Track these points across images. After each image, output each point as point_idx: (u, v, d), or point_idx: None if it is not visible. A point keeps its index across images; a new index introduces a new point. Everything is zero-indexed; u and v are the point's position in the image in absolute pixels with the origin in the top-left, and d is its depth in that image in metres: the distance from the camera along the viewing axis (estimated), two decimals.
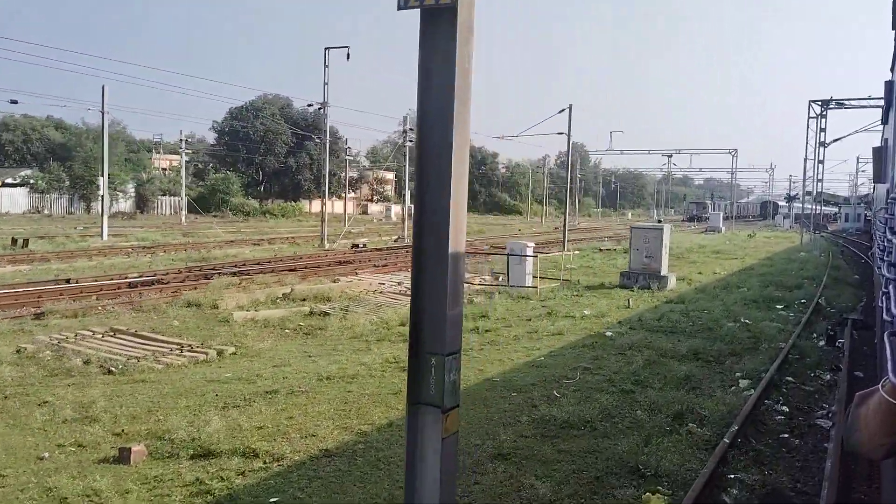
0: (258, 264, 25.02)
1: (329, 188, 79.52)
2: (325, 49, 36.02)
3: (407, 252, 33.45)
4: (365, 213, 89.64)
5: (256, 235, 42.25)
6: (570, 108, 35.86)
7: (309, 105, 35.98)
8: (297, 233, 45.65)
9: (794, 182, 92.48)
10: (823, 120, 33.50)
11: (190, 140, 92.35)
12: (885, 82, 11.11)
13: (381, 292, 19.17)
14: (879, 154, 11.43)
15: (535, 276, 21.33)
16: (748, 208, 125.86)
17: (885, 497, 5.47)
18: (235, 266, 24.11)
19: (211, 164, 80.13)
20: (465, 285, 19.28)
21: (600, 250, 35.76)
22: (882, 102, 16.64)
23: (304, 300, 17.14)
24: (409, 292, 4.42)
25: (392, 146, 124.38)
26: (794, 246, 41.69)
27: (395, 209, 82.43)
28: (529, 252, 19.45)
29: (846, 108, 36.27)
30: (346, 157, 60.88)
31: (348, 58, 35.23)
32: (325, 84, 36.49)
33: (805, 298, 19.11)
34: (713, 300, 18.01)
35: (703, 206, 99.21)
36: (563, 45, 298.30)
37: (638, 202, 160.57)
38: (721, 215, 64.02)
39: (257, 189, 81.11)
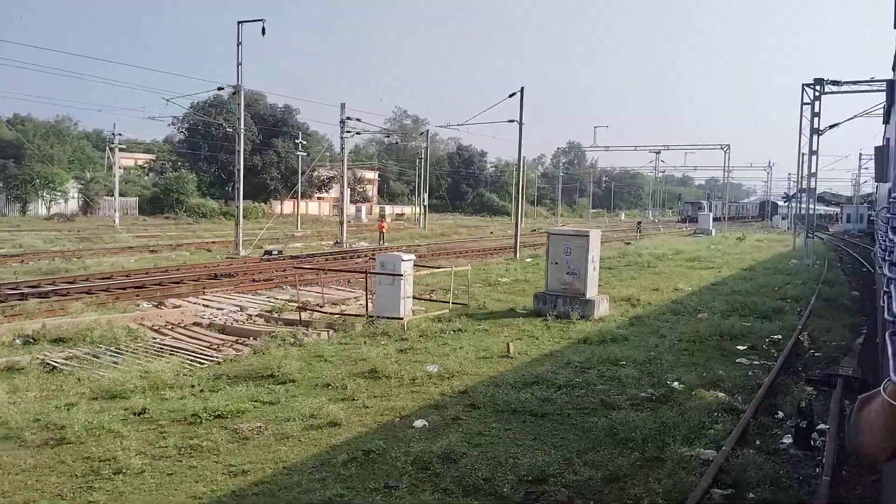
0: (107, 279, 19.76)
1: (298, 188, 74.09)
2: (238, 23, 30.71)
3: (328, 259, 28.16)
4: (340, 213, 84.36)
5: (178, 240, 36.95)
6: (522, 91, 30.42)
7: (219, 88, 30.82)
8: (228, 237, 40.23)
9: (793, 181, 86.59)
10: (817, 104, 27.88)
11: (155, 139, 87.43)
12: (887, 81, 11.31)
13: (194, 324, 13.81)
14: (881, 153, 11.06)
15: (432, 297, 16.01)
16: (747, 208, 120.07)
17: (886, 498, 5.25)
18: (69, 282, 18.85)
19: (179, 163, 74.90)
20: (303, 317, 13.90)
21: None
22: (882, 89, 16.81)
23: (57, 340, 11.80)
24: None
25: (378, 145, 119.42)
26: (785, 252, 36.09)
27: (366, 209, 77.31)
28: (404, 268, 14.01)
29: (844, 91, 30.65)
30: (299, 154, 55.53)
31: (263, 32, 29.92)
32: (239, 64, 31.15)
33: (781, 333, 13.62)
34: (645, 339, 12.55)
35: (699, 207, 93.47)
36: (554, 44, 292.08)
37: (635, 202, 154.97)
38: (710, 216, 58.30)
39: (224, 189, 75.89)
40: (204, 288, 18.16)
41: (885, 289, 4.69)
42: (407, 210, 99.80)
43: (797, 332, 13.41)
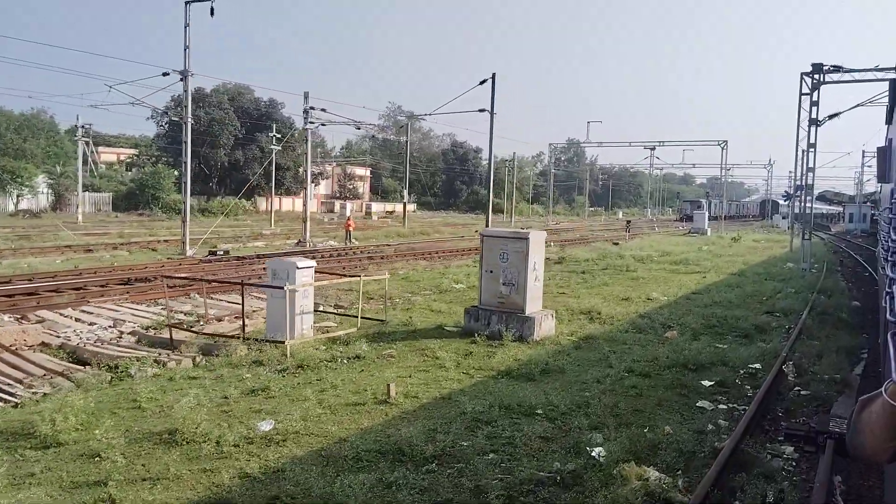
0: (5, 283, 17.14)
1: (281, 185, 71.49)
2: (186, 3, 28.01)
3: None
4: (331, 210, 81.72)
5: (129, 238, 34.30)
6: (494, 77, 27.65)
7: (164, 73, 28.17)
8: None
9: (796, 179, 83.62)
10: (816, 93, 25.06)
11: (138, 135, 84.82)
12: (890, 82, 12.62)
13: (42, 344, 11.13)
14: (884, 154, 11.07)
15: (339, 310, 13.37)
16: (747, 207, 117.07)
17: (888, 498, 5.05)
18: None
19: (160, 158, 72.31)
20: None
21: None
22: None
23: None
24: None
25: (371, 141, 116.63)
26: (782, 254, 33.23)
27: (351, 206, 74.59)
28: (299, 277, 11.29)
29: (846, 81, 27.76)
30: (267, 146, 52.88)
31: (212, 13, 27.27)
32: (186, 48, 28.45)
33: (761, 361, 10.87)
34: (585, 372, 9.80)
35: (698, 206, 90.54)
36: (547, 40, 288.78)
37: (634, 201, 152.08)
38: (706, 215, 55.35)
39: (208, 185, 73.27)
40: (84, 297, 15.42)
41: (886, 289, 4.49)
42: (399, 207, 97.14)
43: (780, 360, 10.65)
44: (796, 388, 9.67)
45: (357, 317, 12.80)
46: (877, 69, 27.53)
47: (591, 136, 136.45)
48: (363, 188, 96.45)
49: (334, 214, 71.78)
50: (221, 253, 26.79)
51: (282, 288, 10.78)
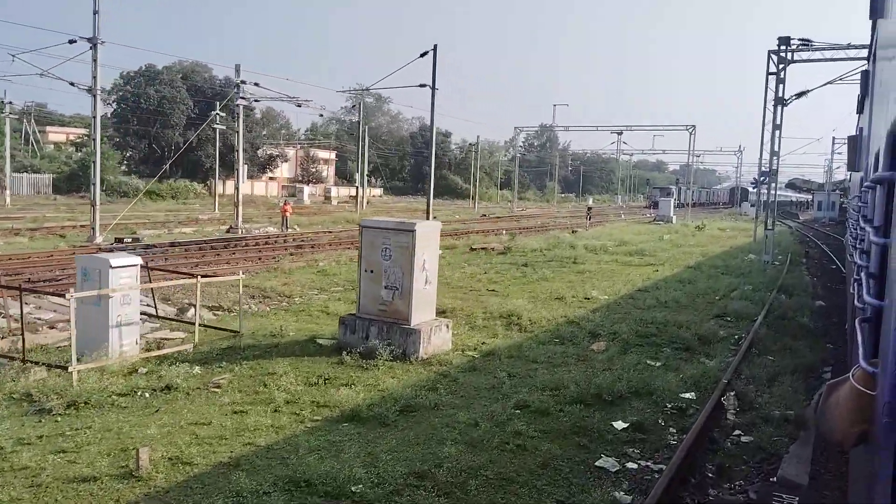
0: None
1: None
2: None
3: (202, 248, 22.77)
4: (292, 195, 78.58)
5: (42, 223, 31.25)
6: (435, 49, 25.01)
7: (71, 41, 25.02)
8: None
9: (761, 165, 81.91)
10: (783, 69, 22.82)
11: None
12: (862, 72, 11.61)
13: None
14: (854, 143, 11.15)
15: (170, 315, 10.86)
16: (718, 195, 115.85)
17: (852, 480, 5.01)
18: None
19: (106, 138, 68.43)
20: None
21: (473, 249, 25.11)
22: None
23: None
24: None
25: (337, 123, 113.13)
26: (745, 244, 31.16)
27: (309, 190, 71.64)
28: (113, 279, 8.70)
29: (816, 60, 25.57)
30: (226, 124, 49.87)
31: None
32: (95, 13, 25.38)
33: (696, 390, 8.53)
34: (461, 411, 7.32)
35: (668, 192, 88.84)
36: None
37: (606, 187, 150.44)
38: (671, 203, 53.27)
39: (160, 167, 69.67)
40: None
41: (854, 276, 4.71)
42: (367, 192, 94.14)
43: (720, 388, 8.30)
44: (736, 431, 7.33)
45: (220, 328, 10.22)
46: (848, 47, 25.35)
47: (563, 122, 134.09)
48: (327, 172, 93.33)
49: (292, 198, 68.65)
50: (129, 241, 23.96)
51: (98, 294, 8.15)
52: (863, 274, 3.65)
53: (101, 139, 67.83)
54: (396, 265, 9.52)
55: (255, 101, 32.44)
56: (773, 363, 9.86)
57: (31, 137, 60.10)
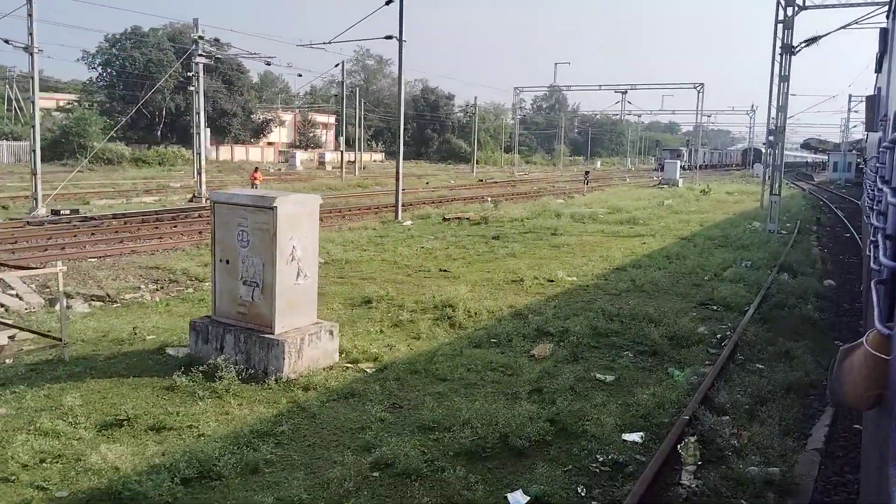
0: None
1: (226, 132, 65.70)
2: None
3: (156, 217, 20.49)
4: (286, 160, 76.06)
5: (2, 193, 29.10)
6: None
7: None
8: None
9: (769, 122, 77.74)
10: (791, 11, 19.87)
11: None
12: (880, 30, 10.85)
13: None
14: (872, 103, 11.18)
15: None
16: (731, 156, 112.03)
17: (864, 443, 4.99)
18: None
19: (92, 104, 66.06)
20: None
21: (446, 219, 22.62)
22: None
23: None
24: None
25: (339, 87, 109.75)
26: (752, 209, 28.43)
27: (303, 156, 68.98)
28: None
29: (829, 5, 22.51)
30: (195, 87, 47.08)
31: None
32: None
33: (647, 427, 6.11)
34: (273, 485, 4.98)
35: (678, 154, 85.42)
36: None
37: (616, 150, 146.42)
38: (677, 165, 50.16)
39: (152, 133, 67.39)
40: None
41: (871, 238, 4.74)
42: (366, 157, 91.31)
43: (679, 427, 5.88)
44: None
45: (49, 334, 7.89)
46: None
47: (570, 82, 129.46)
48: (327, 136, 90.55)
49: (281, 164, 66.20)
50: (68, 212, 21.69)
51: None
52: (879, 235, 3.65)
53: (91, 104, 65.33)
54: (255, 254, 7.11)
55: (217, 58, 29.83)
56: (762, 377, 7.42)
57: (14, 104, 57.77)
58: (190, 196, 28.91)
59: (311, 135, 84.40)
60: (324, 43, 25.11)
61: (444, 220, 22.45)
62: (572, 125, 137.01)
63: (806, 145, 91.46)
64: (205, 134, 28.43)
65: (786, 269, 14.02)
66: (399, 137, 23.48)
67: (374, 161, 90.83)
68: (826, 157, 76.46)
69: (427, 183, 46.97)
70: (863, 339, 1.89)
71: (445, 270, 13.75)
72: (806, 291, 11.89)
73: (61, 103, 74.54)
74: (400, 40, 22.42)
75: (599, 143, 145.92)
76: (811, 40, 19.14)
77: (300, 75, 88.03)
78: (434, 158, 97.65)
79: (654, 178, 61.04)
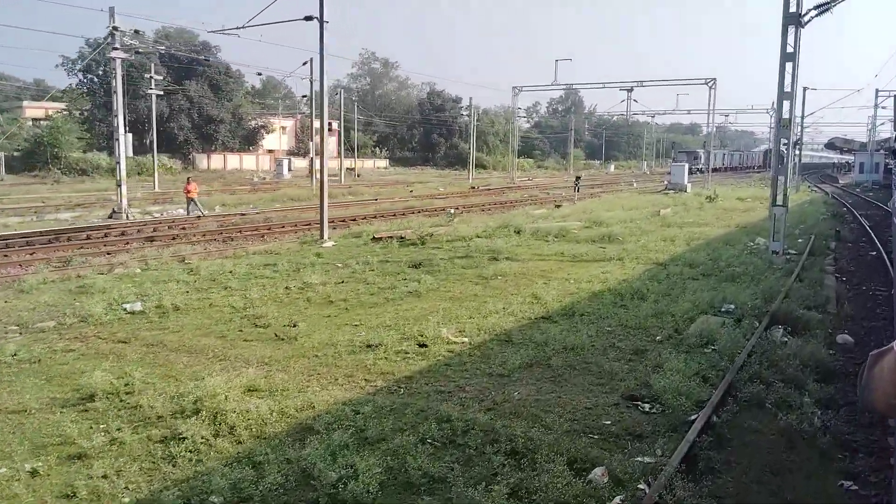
0: None
1: (214, 139, 62.25)
2: None
3: (52, 239, 16.75)
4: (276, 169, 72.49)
5: None
6: None
7: None
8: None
9: (806, 128, 71.96)
10: None
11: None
12: None
13: None
14: None
15: None
16: (751, 158, 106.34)
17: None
18: None
19: (73, 112, 63.02)
20: None
21: (375, 239, 18.50)
22: None
23: None
24: None
25: (345, 92, 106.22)
26: (759, 220, 23.83)
27: (301, 164, 65.34)
28: None
29: None
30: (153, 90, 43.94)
31: None
32: None
33: None
34: None
35: (696, 157, 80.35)
36: None
37: (634, 153, 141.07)
38: (685, 169, 45.38)
39: (141, 142, 64.16)
40: None
41: None
42: (368, 164, 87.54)
43: None
44: None
45: None
46: None
47: (578, 81, 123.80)
48: (331, 143, 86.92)
49: (266, 173, 62.66)
50: None
51: None
52: None
53: (70, 112, 62.02)
54: None
55: (137, 52, 26.19)
56: None
57: None
58: (109, 212, 25.13)
59: (310, 141, 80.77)
60: (236, 28, 21.14)
61: (374, 239, 18.34)
62: (587, 128, 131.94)
63: (830, 145, 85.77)
64: (125, 140, 24.61)
65: (782, 320, 9.63)
66: (322, 141, 19.38)
67: (377, 167, 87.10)
68: (852, 158, 70.90)
69: (411, 191, 42.93)
70: (893, 343, 1.68)
71: (294, 326, 9.61)
72: (806, 365, 7.53)
73: (49, 112, 71.97)
74: (321, 21, 18.35)
75: (616, 146, 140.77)
76: (822, 7, 14.66)
77: (259, 74, 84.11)
78: (441, 164, 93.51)
79: (665, 183, 56.32)
